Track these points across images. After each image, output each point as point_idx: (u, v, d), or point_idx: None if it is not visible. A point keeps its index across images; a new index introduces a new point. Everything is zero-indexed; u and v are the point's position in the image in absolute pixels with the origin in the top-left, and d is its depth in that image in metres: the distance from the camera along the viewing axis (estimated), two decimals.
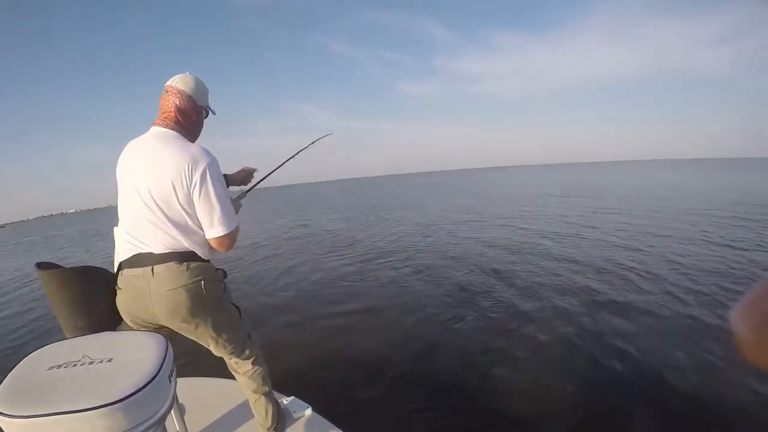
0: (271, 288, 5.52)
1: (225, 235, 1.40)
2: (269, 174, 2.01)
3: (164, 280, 1.34)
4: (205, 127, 1.55)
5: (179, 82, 1.43)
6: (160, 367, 0.92)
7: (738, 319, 0.41)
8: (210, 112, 1.57)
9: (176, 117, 1.41)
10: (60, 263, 1.34)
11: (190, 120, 1.45)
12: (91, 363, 0.92)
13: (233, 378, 1.69)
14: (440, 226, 9.92)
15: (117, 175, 1.41)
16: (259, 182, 1.88)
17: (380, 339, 3.42)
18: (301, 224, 13.31)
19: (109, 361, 0.93)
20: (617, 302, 3.86)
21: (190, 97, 1.43)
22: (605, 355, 2.86)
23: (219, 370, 1.75)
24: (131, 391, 0.85)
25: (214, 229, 1.39)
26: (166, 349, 0.98)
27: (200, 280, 1.39)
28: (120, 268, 1.39)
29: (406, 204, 14.89)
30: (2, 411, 0.81)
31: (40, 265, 1.29)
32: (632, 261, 5.29)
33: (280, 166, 2.04)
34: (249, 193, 1.81)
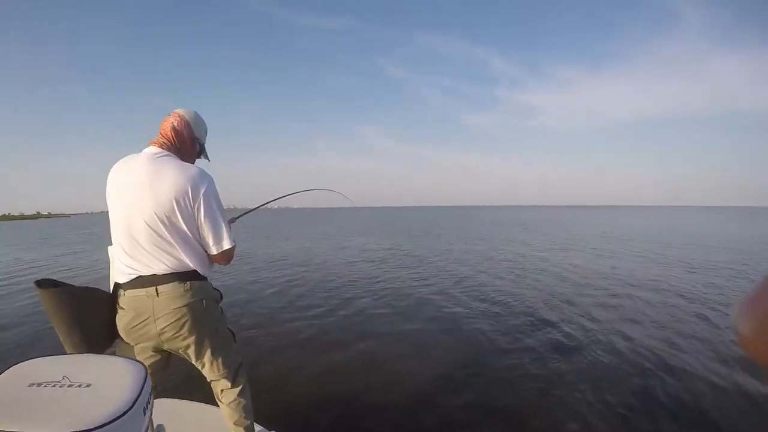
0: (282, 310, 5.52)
1: (231, 248, 1.48)
2: (261, 206, 2.24)
3: (168, 300, 1.36)
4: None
5: (181, 109, 1.53)
6: (136, 400, 0.90)
7: (740, 316, 0.41)
8: (204, 151, 1.64)
9: (172, 137, 1.47)
10: (62, 281, 1.36)
11: (184, 143, 1.50)
12: (70, 386, 0.90)
13: (218, 405, 1.67)
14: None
15: (109, 196, 1.42)
16: (247, 212, 2.06)
17: (383, 379, 3.20)
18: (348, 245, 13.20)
19: (88, 386, 0.91)
20: None
21: (188, 123, 1.51)
22: None
23: (206, 395, 1.73)
24: (103, 422, 0.83)
25: (220, 245, 1.45)
26: (144, 381, 0.96)
27: (202, 299, 1.42)
28: (119, 287, 1.41)
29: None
30: None
31: (40, 284, 1.31)
32: None
33: (270, 202, 2.29)
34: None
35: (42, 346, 4.01)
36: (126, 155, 1.44)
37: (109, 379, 0.94)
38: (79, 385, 0.91)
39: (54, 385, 0.90)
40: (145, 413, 0.94)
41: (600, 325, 4.44)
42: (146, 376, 0.97)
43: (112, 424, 0.84)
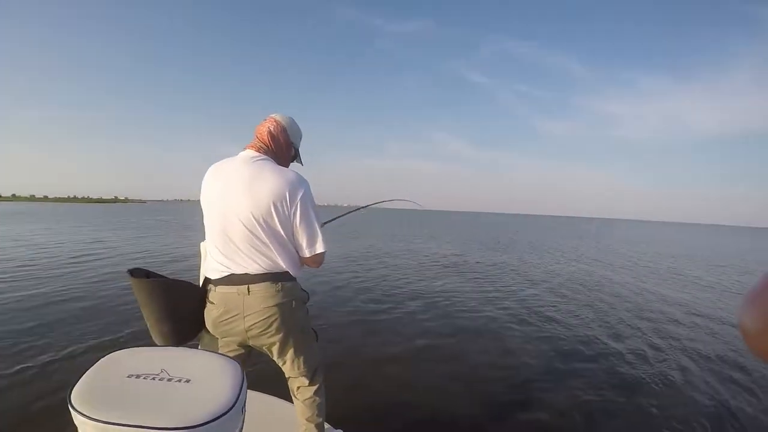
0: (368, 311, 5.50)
1: (323, 252, 1.49)
2: (350, 212, 2.28)
3: (260, 298, 1.37)
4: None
5: (277, 115, 1.54)
6: (236, 400, 0.86)
7: (744, 311, 0.40)
8: (298, 156, 1.64)
9: (268, 142, 1.48)
10: (153, 271, 1.40)
11: (280, 148, 1.51)
12: (169, 380, 0.87)
13: (290, 400, 1.70)
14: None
15: (204, 196, 1.44)
16: (334, 219, 2.06)
17: (432, 389, 3.03)
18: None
19: (187, 381, 0.87)
20: None
21: (284, 128, 1.52)
22: None
23: (277, 388, 1.74)
24: (207, 419, 0.80)
25: (313, 248, 1.46)
26: (242, 381, 0.92)
27: (291, 300, 1.43)
28: (209, 282, 1.43)
29: None
30: (80, 410, 0.79)
31: (133, 273, 1.35)
32: None
33: (358, 209, 2.37)
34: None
35: (106, 320, 4.30)
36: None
37: (208, 376, 0.90)
38: (179, 380, 0.88)
39: (153, 378, 0.88)
40: (242, 412, 0.90)
41: (663, 354, 4.00)
42: (243, 376, 0.93)
43: (215, 422, 0.81)
